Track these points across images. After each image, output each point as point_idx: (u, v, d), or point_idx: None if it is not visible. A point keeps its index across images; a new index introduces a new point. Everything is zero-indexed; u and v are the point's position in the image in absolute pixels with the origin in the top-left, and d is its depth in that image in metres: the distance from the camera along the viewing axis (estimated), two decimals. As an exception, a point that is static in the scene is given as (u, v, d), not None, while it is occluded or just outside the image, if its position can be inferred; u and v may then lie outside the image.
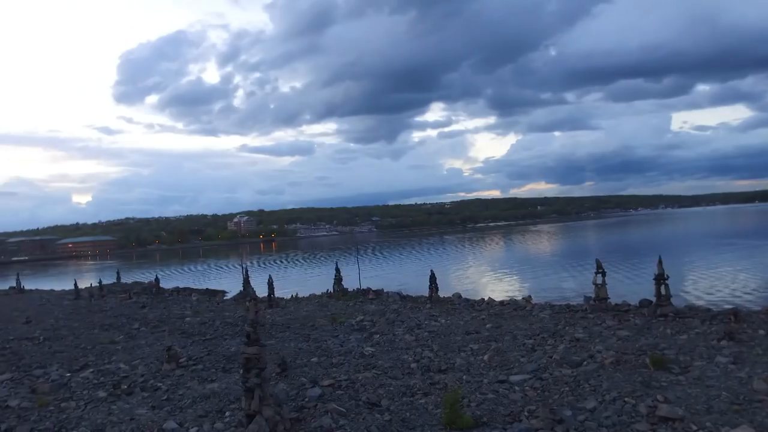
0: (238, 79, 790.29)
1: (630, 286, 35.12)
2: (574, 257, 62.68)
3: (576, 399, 12.02)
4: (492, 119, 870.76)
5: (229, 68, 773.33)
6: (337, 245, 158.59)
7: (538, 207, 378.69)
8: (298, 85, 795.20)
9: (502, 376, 14.12)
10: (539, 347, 17.29)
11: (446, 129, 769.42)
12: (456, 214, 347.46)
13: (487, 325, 21.75)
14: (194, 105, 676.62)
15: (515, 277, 48.64)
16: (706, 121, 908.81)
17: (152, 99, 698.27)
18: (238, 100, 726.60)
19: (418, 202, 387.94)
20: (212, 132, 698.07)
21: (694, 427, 10.01)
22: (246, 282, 35.20)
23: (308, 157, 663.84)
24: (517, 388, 13.13)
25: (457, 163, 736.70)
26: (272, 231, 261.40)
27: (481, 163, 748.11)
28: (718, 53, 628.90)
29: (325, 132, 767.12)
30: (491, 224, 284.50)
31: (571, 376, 13.63)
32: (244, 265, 41.27)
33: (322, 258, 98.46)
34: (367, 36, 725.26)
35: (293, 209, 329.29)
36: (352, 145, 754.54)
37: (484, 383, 13.65)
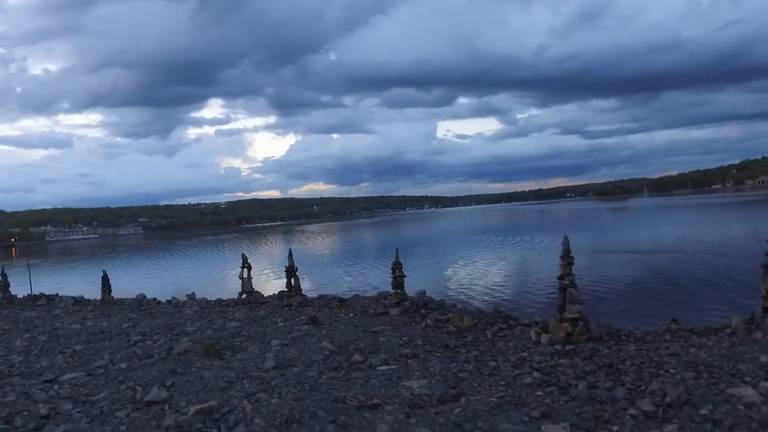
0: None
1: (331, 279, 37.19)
2: (308, 256, 64.61)
3: (97, 390, 11.92)
4: (272, 119, 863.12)
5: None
6: (94, 249, 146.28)
7: (315, 207, 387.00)
8: (53, 67, 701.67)
9: (55, 375, 13.60)
10: (141, 342, 17.09)
11: (224, 127, 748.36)
12: (231, 215, 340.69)
13: (124, 325, 21.06)
14: None
15: (224, 276, 48.42)
16: (465, 130, 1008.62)
17: None
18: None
19: (193, 202, 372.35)
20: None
21: (167, 408, 10.42)
22: None
23: (66, 151, 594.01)
24: (56, 386, 12.70)
25: (236, 162, 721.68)
26: (13, 235, 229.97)
27: (260, 163, 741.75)
28: (476, 72, 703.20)
29: (87, 123, 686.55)
30: (265, 224, 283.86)
31: (125, 370, 13.56)
32: None
33: (59, 263, 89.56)
34: (142, 21, 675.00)
35: (44, 210, 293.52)
36: (119, 139, 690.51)
37: (27, 385, 12.98)
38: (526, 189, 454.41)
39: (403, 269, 19.06)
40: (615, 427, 8.11)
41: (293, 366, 12.59)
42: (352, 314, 18.83)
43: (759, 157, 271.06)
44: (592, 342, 12.73)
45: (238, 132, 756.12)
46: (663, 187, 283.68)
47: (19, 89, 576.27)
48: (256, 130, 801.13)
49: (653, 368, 10.44)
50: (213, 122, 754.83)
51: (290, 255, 22.39)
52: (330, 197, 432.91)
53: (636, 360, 10.98)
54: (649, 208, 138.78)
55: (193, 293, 27.02)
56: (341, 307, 20.10)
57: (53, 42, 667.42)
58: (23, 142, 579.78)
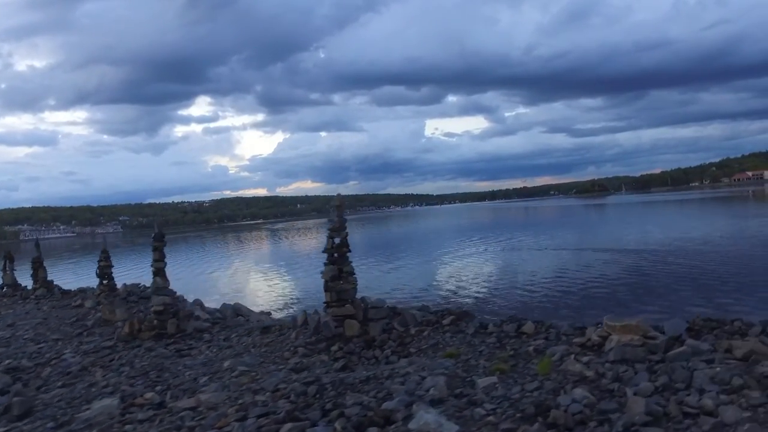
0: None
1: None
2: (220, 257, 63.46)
3: None
4: (260, 116, 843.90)
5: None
6: (71, 247, 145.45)
7: (298, 205, 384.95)
8: (39, 64, 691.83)
9: None
10: None
11: (212, 125, 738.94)
12: (214, 213, 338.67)
13: None
14: None
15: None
16: (453, 128, 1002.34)
17: None
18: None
19: (178, 201, 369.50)
20: None
21: None
22: None
23: (51, 149, 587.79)
24: None
25: (223, 161, 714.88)
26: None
27: (247, 161, 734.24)
28: (465, 70, 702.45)
29: (73, 121, 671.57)
30: (243, 223, 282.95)
31: None
32: None
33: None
34: (130, 18, 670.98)
35: (22, 208, 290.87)
36: (105, 137, 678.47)
37: None
38: (512, 187, 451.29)
39: (110, 259, 17.72)
40: None
41: None
42: (52, 306, 17.65)
43: (739, 155, 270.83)
44: (163, 339, 11.40)
45: (225, 130, 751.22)
46: (644, 184, 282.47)
47: (3, 85, 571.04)
48: (244, 128, 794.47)
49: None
50: (201, 120, 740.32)
51: (37, 245, 21.10)
52: (316, 195, 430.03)
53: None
54: (618, 204, 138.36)
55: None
56: (62, 299, 18.86)
57: (39, 38, 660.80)
58: (7, 139, 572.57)
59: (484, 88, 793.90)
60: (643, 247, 33.97)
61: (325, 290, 10.33)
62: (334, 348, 9.18)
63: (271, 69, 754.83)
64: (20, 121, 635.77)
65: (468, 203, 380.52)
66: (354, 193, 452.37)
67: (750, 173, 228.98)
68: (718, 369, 6.61)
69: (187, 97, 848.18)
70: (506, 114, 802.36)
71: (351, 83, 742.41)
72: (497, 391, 6.44)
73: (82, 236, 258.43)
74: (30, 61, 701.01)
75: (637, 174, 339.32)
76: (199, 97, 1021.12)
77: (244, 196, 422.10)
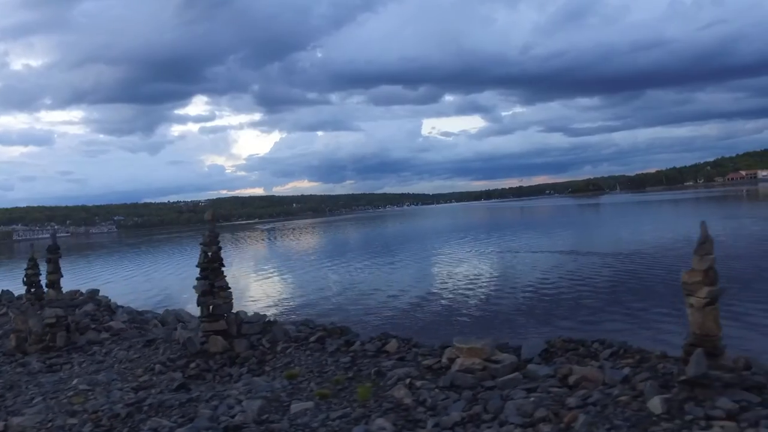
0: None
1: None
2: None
3: None
4: (257, 116, 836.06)
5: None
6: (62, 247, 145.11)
7: (294, 204, 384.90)
8: (35, 63, 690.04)
9: None
10: None
11: (209, 124, 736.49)
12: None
13: None
14: None
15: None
16: (450, 128, 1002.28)
17: None
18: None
19: (173, 200, 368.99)
20: None
21: None
22: None
23: (46, 148, 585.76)
24: None
25: (220, 160, 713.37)
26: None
27: (244, 161, 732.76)
28: (462, 70, 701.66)
29: (69, 120, 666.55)
30: (235, 223, 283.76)
31: None
32: None
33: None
34: (127, 17, 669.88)
35: (16, 208, 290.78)
36: (102, 136, 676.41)
37: None
38: (509, 186, 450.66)
39: (37, 267, 17.54)
40: None
41: None
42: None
43: (734, 155, 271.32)
44: (50, 352, 11.25)
45: (222, 129, 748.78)
46: (639, 183, 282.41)
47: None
48: (240, 127, 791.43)
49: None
50: (197, 119, 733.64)
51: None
52: (312, 195, 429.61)
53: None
54: (609, 204, 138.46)
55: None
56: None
57: (35, 37, 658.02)
58: (2, 138, 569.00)
59: (481, 87, 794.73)
60: (596, 251, 33.80)
61: (198, 305, 10.20)
62: (192, 365, 9.06)
63: (268, 68, 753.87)
64: (16, 121, 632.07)
65: (463, 203, 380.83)
66: (350, 192, 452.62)
67: (744, 172, 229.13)
68: (532, 399, 6.50)
69: (184, 97, 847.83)
70: (503, 113, 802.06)
71: (348, 83, 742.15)
72: (305, 417, 6.31)
73: (76, 236, 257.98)
74: (26, 60, 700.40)
75: (633, 173, 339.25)
76: (196, 96, 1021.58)
77: (240, 195, 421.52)
